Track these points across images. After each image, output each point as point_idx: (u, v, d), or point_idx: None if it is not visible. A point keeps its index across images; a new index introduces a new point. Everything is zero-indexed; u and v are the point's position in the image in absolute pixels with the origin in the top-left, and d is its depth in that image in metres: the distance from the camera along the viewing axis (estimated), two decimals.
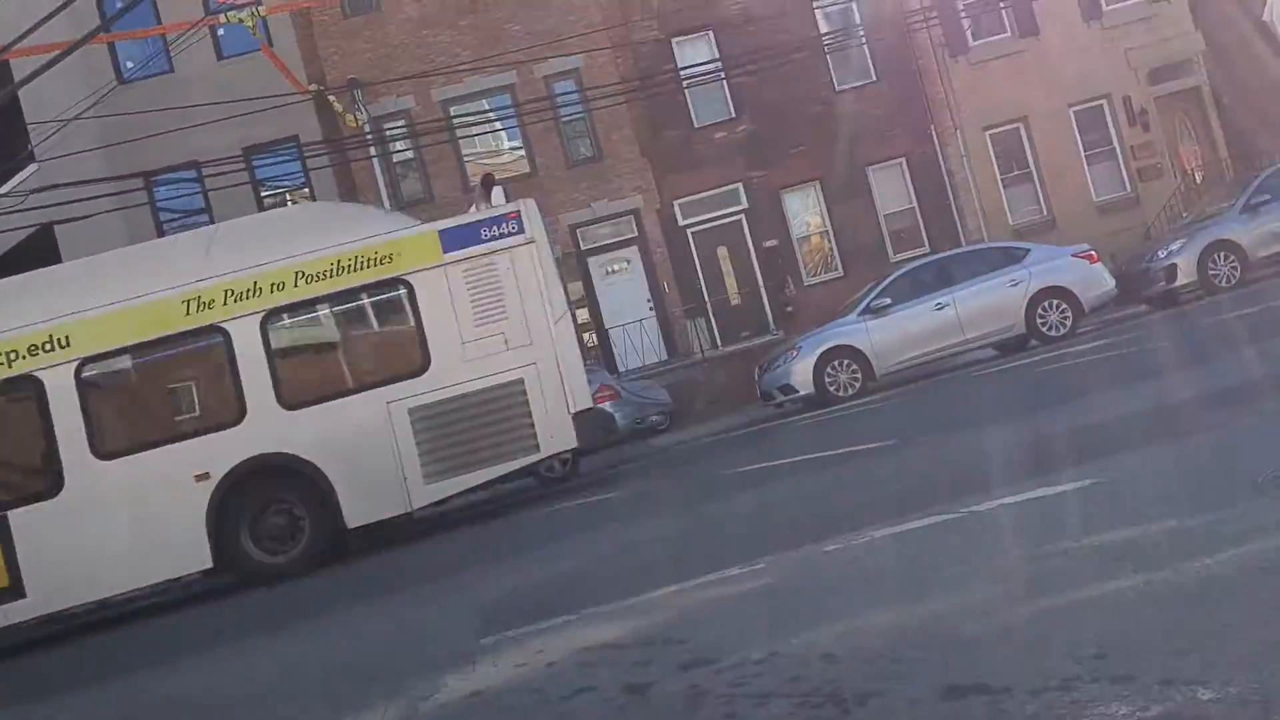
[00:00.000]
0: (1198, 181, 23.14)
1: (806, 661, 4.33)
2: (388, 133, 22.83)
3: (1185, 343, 12.65)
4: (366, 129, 22.49)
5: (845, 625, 4.69)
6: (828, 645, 4.47)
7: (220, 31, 22.24)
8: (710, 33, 23.14)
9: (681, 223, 23.08)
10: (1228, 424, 7.04)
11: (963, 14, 23.08)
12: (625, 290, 23.00)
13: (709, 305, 22.99)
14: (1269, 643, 3.46)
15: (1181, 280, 17.27)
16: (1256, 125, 22.38)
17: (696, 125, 23.13)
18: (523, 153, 23.22)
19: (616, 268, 23.28)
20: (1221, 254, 17.17)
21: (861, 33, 23.07)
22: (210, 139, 19.68)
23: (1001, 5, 23.03)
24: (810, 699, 3.92)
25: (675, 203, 23.07)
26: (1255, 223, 17.19)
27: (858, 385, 16.30)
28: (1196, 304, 16.69)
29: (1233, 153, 22.77)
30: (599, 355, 22.49)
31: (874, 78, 23.02)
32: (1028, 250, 17.40)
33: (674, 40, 23.18)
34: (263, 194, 22.97)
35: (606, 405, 15.58)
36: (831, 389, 16.32)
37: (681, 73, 23.07)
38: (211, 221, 22.20)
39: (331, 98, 22.15)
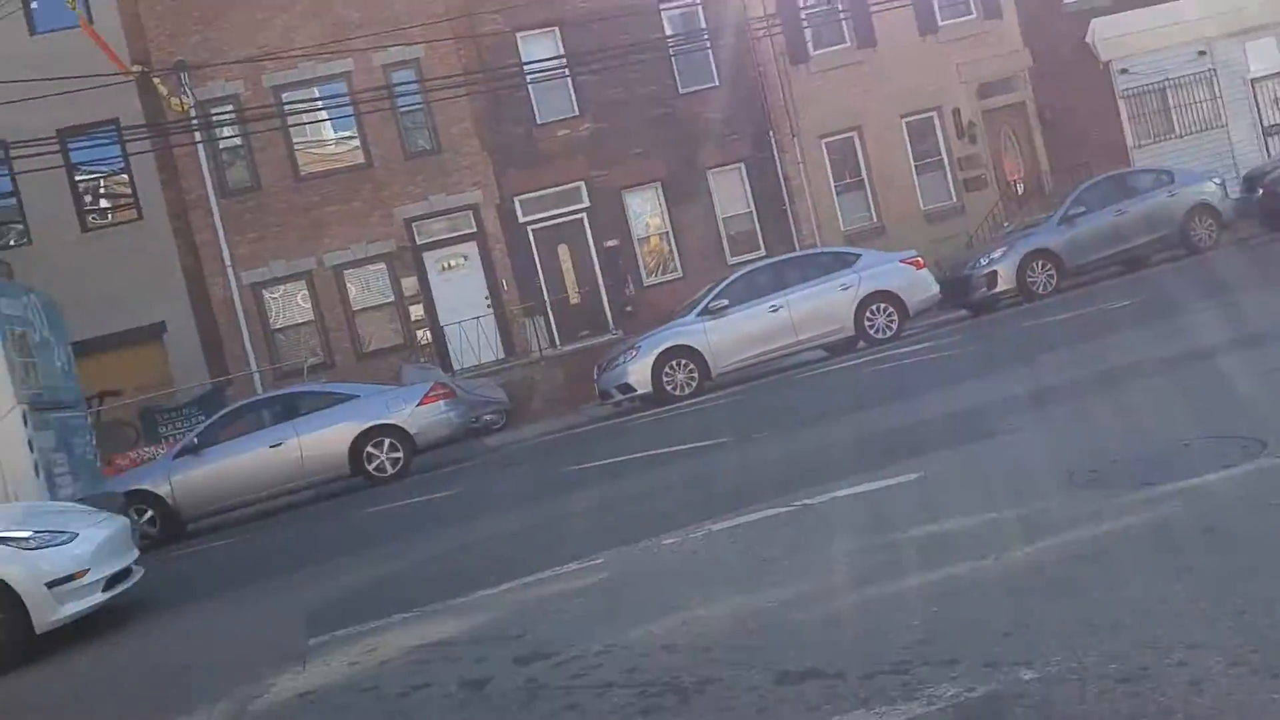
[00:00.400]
0: (1019, 193, 24.29)
1: (646, 652, 4.34)
2: (215, 118, 21.95)
3: (1004, 346, 13.23)
4: (193, 113, 21.58)
5: (684, 616, 4.73)
6: (667, 636, 4.49)
7: (34, 4, 21.05)
8: (556, 29, 23.06)
9: (522, 220, 22.93)
10: (1043, 421, 7.38)
11: (804, 23, 23.66)
12: (462, 287, 22.68)
13: (548, 304, 22.90)
14: (1084, 624, 3.63)
15: (1001, 287, 18.07)
16: (1075, 141, 23.63)
17: (539, 121, 23.01)
18: (357, 143, 22.67)
19: (453, 263, 22.95)
20: (1039, 262, 18.06)
21: (706, 37, 23.37)
22: (21, 118, 18.54)
23: (842, 16, 23.70)
24: (650, 688, 3.93)
25: (516, 199, 22.91)
26: (1072, 233, 18.16)
27: (694, 384, 16.49)
28: (1015, 309, 17.51)
29: (1053, 166, 23.97)
30: (433, 353, 22.13)
31: (717, 82, 23.36)
32: (858, 255, 17.93)
33: (519, 35, 23.00)
34: (78, 178, 21.80)
35: (441, 404, 15.34)
36: (669, 388, 16.48)
37: (526, 68, 22.93)
38: (20, 205, 21.04)
39: (156, 79, 21.15)
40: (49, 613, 7.43)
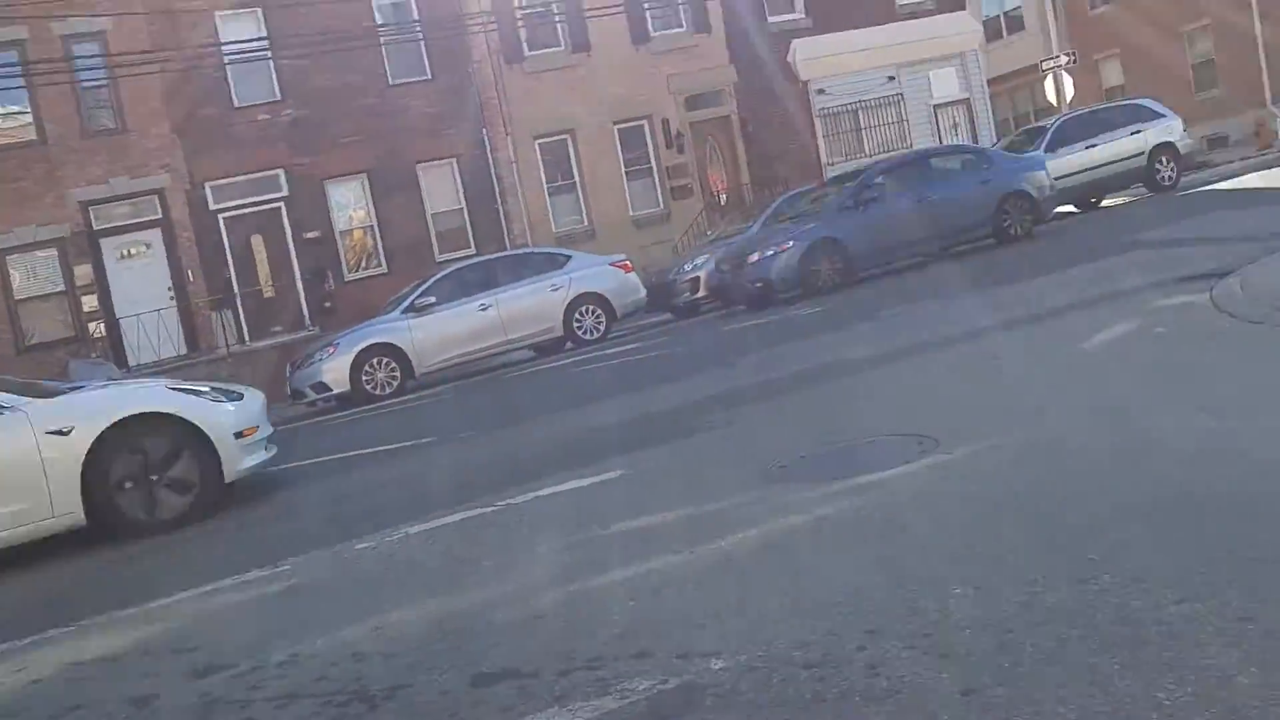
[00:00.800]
0: (722, 203, 25.31)
1: (334, 661, 4.10)
2: None
3: (705, 348, 13.65)
4: None
5: (376, 622, 4.51)
6: (357, 643, 4.26)
7: None
8: (259, 10, 21.94)
9: (213, 206, 21.63)
10: (740, 420, 7.62)
11: (520, 23, 23.65)
12: (143, 276, 21.07)
13: (238, 296, 21.62)
14: (772, 614, 3.72)
15: (703, 292, 18.73)
16: (775, 155, 24.91)
17: (237, 105, 21.81)
18: (29, 118, 20.72)
19: (134, 251, 21.31)
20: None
21: (419, 29, 22.92)
22: None
23: (557, 20, 23.86)
24: (335, 698, 3.70)
25: (207, 185, 21.59)
26: None
27: (396, 383, 16.07)
28: (716, 314, 18.15)
29: (754, 178, 25.12)
30: (107, 347, 20.46)
31: (429, 75, 22.94)
32: (569, 257, 18.09)
33: (218, 13, 21.74)
34: None
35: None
36: (369, 387, 15.97)
37: (224, 48, 21.69)
38: None
39: None
40: (235, 463, 7.81)
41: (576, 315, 17.29)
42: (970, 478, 4.96)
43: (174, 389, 8.22)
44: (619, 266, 17.99)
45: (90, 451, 7.30)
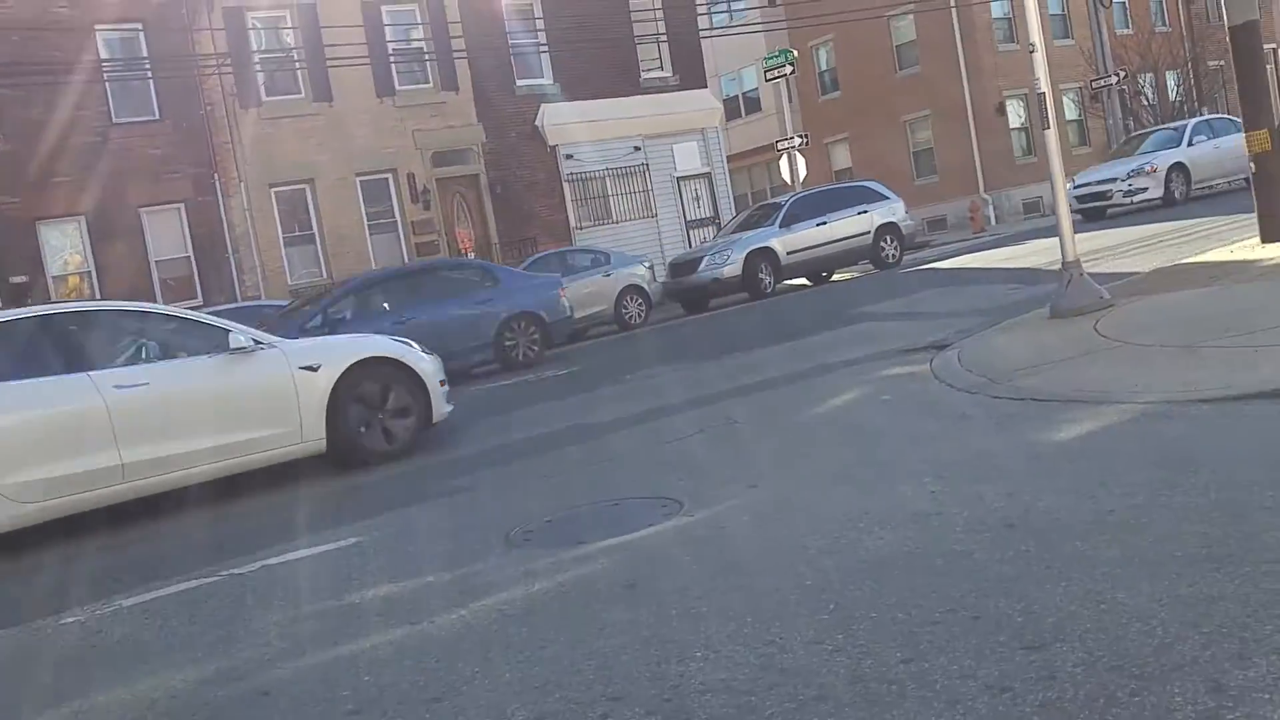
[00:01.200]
0: None
1: None
2: None
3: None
4: None
5: (78, 706, 4.11)
6: None
7: None
8: None
9: None
10: (483, 484, 7.50)
11: (257, 67, 22.83)
12: None
13: None
14: (514, 684, 3.62)
15: None
16: (525, 216, 25.03)
17: None
18: None
19: None
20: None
21: (148, 67, 21.73)
22: None
23: (297, 67, 23.18)
24: None
25: None
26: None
27: None
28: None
29: (502, 238, 25.10)
30: None
31: (158, 116, 21.74)
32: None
33: None
34: None
35: None
36: None
37: None
38: None
39: None
40: (440, 406, 9.06)
41: None
42: (710, 540, 5.04)
43: (393, 340, 9.38)
44: None
45: (334, 387, 8.41)
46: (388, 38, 24.23)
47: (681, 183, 28.10)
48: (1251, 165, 12.02)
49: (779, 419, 8.10)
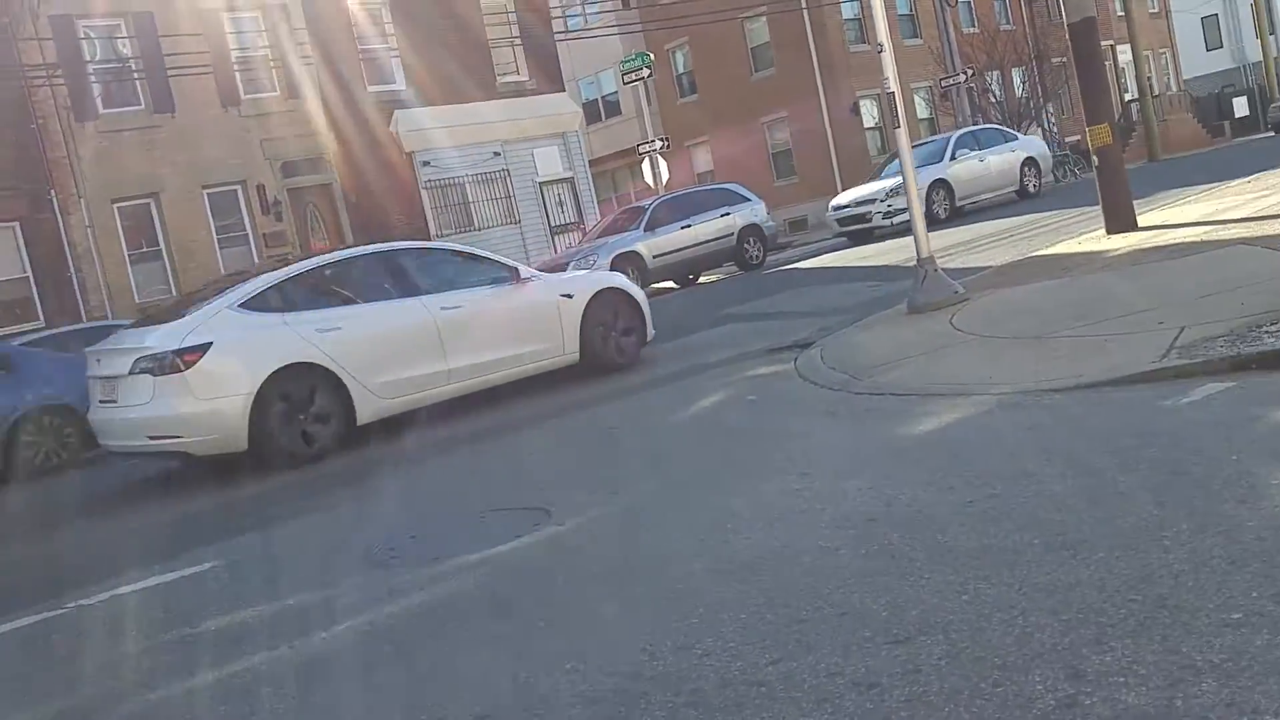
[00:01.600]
0: None
1: None
2: None
3: None
4: None
5: None
6: None
7: None
8: None
9: None
10: (346, 501, 7.28)
11: (92, 78, 21.84)
12: None
13: None
14: (378, 707, 3.50)
15: None
16: (383, 226, 24.45)
17: None
18: None
19: None
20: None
21: None
22: None
23: (136, 77, 22.26)
24: None
25: None
26: None
27: None
28: None
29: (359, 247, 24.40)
30: None
31: None
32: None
33: None
34: None
35: None
36: None
37: None
38: None
39: None
40: (646, 336, 10.94)
41: None
42: (579, 549, 4.97)
43: (617, 274, 11.76)
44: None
45: (584, 310, 10.25)
46: (230, 45, 23.45)
47: (544, 187, 27.96)
48: (1095, 158, 12.53)
49: (646, 422, 8.09)
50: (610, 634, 3.75)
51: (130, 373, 8.51)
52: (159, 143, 22.25)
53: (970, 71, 32.53)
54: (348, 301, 9.42)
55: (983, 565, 3.68)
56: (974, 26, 37.39)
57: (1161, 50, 48.74)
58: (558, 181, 28.26)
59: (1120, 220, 12.31)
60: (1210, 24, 56.77)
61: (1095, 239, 12.31)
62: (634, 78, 28.03)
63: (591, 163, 31.02)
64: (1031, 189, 25.29)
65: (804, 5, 33.51)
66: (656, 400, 8.81)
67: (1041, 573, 3.53)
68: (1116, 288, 8.77)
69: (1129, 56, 40.83)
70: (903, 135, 10.26)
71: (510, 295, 9.93)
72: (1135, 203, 12.92)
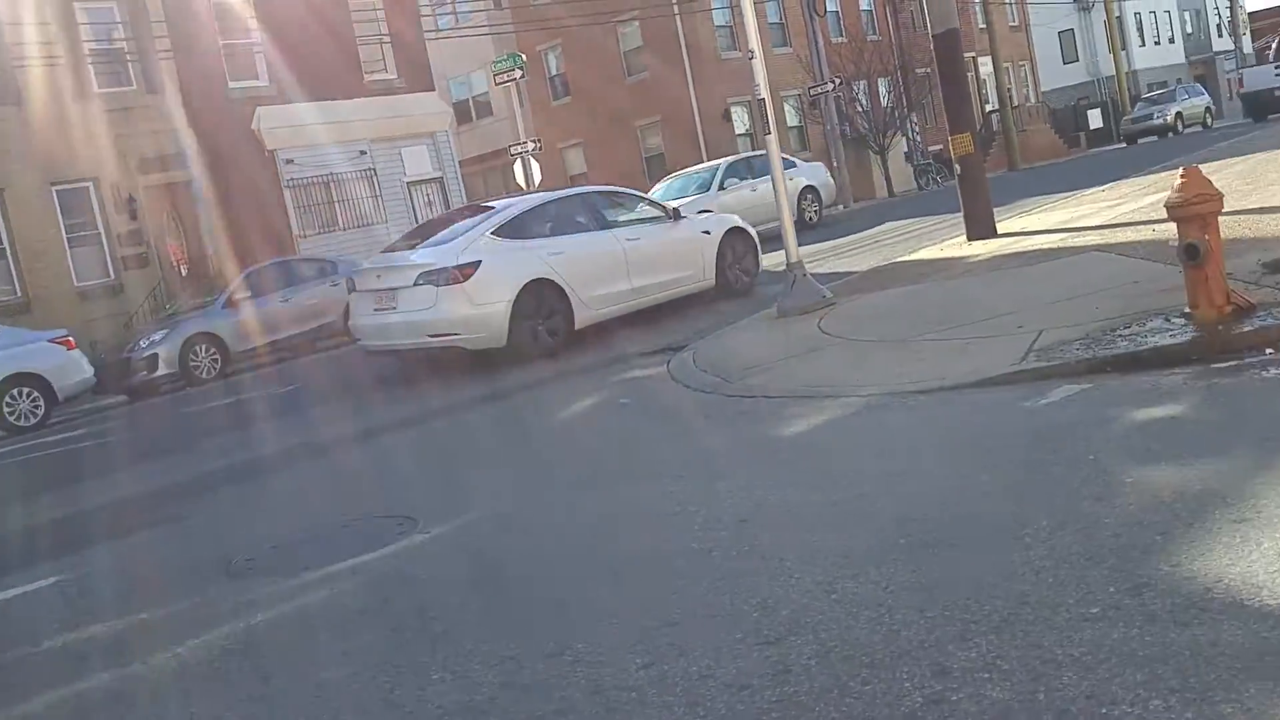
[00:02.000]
0: (183, 274, 23.66)
1: None
2: None
3: (165, 432, 12.56)
4: None
5: None
6: None
7: None
8: None
9: None
10: (203, 510, 7.01)
11: None
12: None
13: None
14: None
15: (163, 370, 17.23)
16: (243, 225, 23.65)
17: None
18: None
19: None
20: (203, 346, 17.67)
21: None
22: None
23: None
24: None
25: None
26: (237, 317, 18.04)
27: None
28: (177, 394, 16.82)
29: (219, 248, 23.66)
30: None
31: None
32: None
33: None
34: None
35: None
36: None
37: None
38: None
39: None
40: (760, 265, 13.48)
41: (8, 399, 15.21)
42: (447, 557, 4.86)
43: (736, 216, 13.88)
44: (60, 343, 16.09)
45: (719, 246, 12.60)
46: (82, 37, 22.45)
47: (412, 187, 27.50)
48: (957, 167, 12.89)
49: (519, 427, 7.99)
50: (479, 642, 3.66)
51: (414, 284, 10.46)
52: (4, 135, 21.16)
53: (838, 81, 33.19)
54: (563, 232, 11.47)
55: (850, 564, 3.71)
56: (842, 36, 38.17)
57: (1021, 63, 50.52)
58: (426, 181, 27.83)
59: (981, 227, 12.70)
60: (1067, 38, 59.14)
61: (957, 245, 12.66)
62: (505, 79, 27.76)
63: (463, 163, 30.66)
64: (809, 218, 23.38)
65: (676, 11, 33.75)
66: (527, 404, 8.73)
67: (907, 571, 3.57)
68: (977, 292, 9.01)
69: (990, 68, 42.30)
70: (773, 142, 10.38)
71: (670, 230, 12.31)
72: (995, 210, 13.35)
